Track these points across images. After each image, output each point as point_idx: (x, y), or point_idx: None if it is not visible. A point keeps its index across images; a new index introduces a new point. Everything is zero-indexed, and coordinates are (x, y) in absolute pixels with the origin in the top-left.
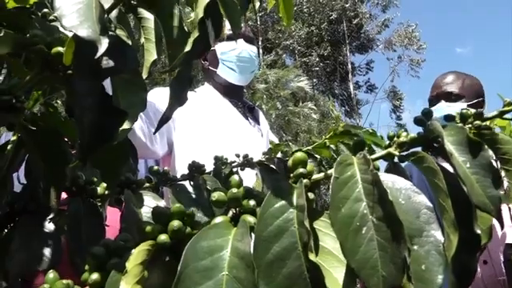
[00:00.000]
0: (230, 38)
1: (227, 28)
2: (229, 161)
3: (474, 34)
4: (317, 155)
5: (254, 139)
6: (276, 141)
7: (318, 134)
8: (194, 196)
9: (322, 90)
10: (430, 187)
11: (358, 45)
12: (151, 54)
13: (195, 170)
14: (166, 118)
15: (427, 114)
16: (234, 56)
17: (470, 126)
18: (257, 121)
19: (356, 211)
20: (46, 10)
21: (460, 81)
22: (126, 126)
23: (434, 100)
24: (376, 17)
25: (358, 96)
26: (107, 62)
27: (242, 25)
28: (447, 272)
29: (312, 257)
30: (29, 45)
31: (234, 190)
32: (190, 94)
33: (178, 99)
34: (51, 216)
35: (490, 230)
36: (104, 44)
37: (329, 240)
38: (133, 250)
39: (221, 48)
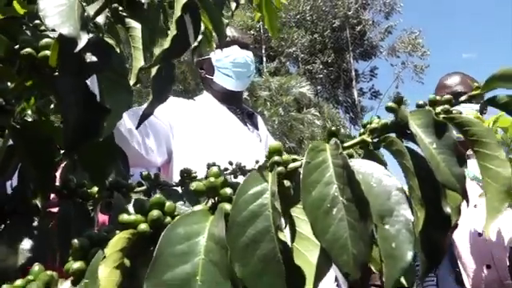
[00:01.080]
0: (226, 45)
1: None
2: (222, 168)
3: (481, 40)
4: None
5: (252, 145)
6: None
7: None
8: (184, 200)
9: (326, 97)
10: (401, 169)
11: (362, 52)
12: (138, 61)
13: (186, 176)
14: (146, 115)
15: (398, 101)
16: (228, 62)
17: (439, 110)
18: (256, 127)
19: (327, 194)
20: (37, 21)
21: (469, 81)
22: (109, 123)
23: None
24: (379, 23)
25: (362, 103)
26: (90, 59)
27: (235, 32)
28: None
29: (282, 236)
30: (18, 49)
31: (212, 180)
32: (188, 102)
33: (158, 97)
34: (39, 217)
35: (459, 209)
36: (84, 39)
37: (305, 226)
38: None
39: (216, 55)
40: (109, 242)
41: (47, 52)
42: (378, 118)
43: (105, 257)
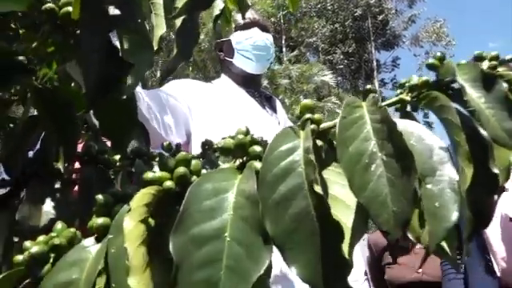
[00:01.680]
0: (243, 27)
1: (240, 17)
2: None
3: (509, 28)
4: None
5: (271, 128)
6: None
7: None
8: (206, 168)
9: (346, 88)
10: (444, 128)
11: (384, 41)
12: (160, 28)
13: (208, 147)
14: (170, 70)
15: (440, 57)
16: (249, 45)
17: (485, 67)
18: (274, 110)
19: (365, 150)
20: None
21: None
22: (131, 81)
23: None
24: (402, 12)
25: (383, 94)
26: (113, 11)
27: (256, 14)
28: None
29: (317, 189)
30: (40, 5)
31: (240, 137)
32: (206, 85)
33: (183, 51)
34: (61, 180)
35: (508, 171)
36: None
37: (338, 188)
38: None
39: (236, 38)
40: (134, 197)
41: (69, 8)
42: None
43: (130, 210)
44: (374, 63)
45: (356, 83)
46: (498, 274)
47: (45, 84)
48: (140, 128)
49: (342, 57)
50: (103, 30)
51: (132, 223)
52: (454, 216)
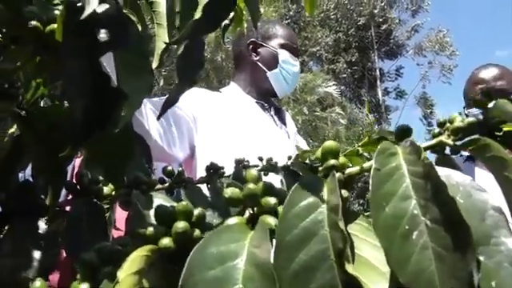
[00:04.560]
0: (293, 51)
1: (288, 39)
2: (251, 164)
3: None
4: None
5: (281, 142)
6: (304, 144)
7: (345, 140)
8: (210, 199)
9: (349, 97)
10: (498, 183)
11: (387, 50)
12: (162, 40)
13: (213, 172)
14: (171, 102)
15: (489, 94)
16: (292, 70)
17: None
18: (283, 122)
19: (404, 211)
20: None
21: (510, 75)
22: (126, 112)
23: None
24: (405, 22)
25: (386, 102)
26: (103, 34)
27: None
28: None
29: (350, 269)
30: (22, 22)
31: (251, 186)
32: (214, 94)
33: (185, 81)
34: (48, 217)
35: None
36: (92, 3)
37: (366, 247)
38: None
39: (283, 56)
40: (123, 263)
41: (55, 26)
42: (460, 114)
43: (117, 282)
44: (378, 72)
45: (359, 92)
46: None
47: (35, 102)
48: (140, 148)
49: (345, 66)
50: (91, 52)
51: None
52: None
